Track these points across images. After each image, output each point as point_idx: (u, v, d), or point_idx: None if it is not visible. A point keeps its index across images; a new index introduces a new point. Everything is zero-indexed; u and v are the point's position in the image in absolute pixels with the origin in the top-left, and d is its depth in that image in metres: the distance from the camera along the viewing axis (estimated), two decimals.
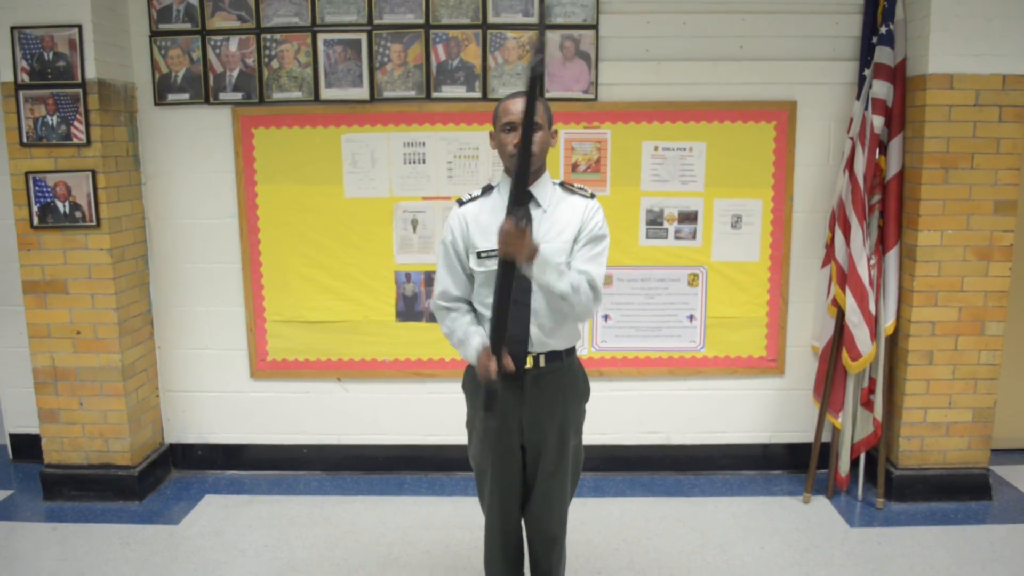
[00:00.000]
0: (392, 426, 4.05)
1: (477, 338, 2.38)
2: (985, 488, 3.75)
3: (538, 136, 2.33)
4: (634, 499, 3.81)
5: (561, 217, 2.40)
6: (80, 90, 3.50)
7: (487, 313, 2.37)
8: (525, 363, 2.40)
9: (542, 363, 2.42)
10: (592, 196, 2.47)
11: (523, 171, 2.12)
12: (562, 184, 2.49)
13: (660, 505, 3.75)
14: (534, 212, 2.39)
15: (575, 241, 2.39)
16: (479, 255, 2.40)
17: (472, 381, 2.52)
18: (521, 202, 2.16)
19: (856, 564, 3.24)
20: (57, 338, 3.69)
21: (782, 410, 4.01)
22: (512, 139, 2.31)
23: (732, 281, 3.87)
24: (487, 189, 2.50)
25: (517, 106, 2.32)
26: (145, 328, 3.92)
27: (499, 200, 2.42)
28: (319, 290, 3.90)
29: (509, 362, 2.30)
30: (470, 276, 2.47)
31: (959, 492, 3.75)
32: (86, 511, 3.72)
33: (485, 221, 2.41)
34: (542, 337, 2.40)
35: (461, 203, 2.50)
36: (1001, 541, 3.41)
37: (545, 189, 2.43)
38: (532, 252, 2.20)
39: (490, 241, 2.36)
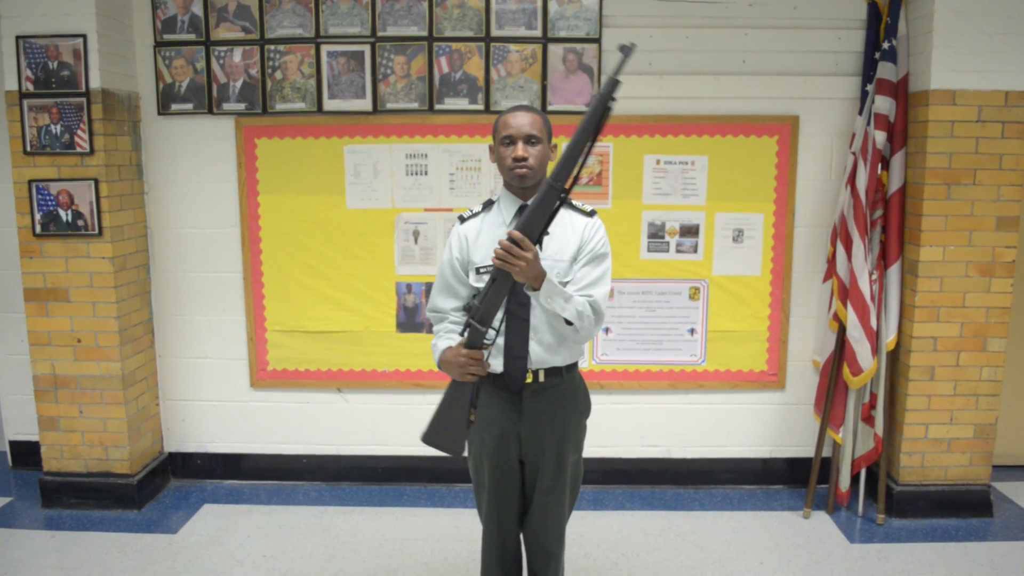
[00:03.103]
0: (392, 437, 4.04)
1: (443, 342, 2.43)
2: (986, 505, 3.74)
3: (537, 150, 2.33)
4: (633, 513, 3.80)
5: (559, 233, 2.38)
6: (84, 99, 3.52)
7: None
8: (525, 378, 2.40)
9: (541, 378, 2.41)
10: (592, 214, 2.45)
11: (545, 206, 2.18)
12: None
13: (659, 519, 3.74)
14: None
15: (575, 260, 2.37)
16: (477, 271, 2.40)
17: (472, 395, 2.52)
18: (539, 239, 2.20)
19: None
20: (58, 346, 3.70)
21: (783, 424, 4.00)
22: (512, 152, 2.31)
23: (733, 295, 3.87)
24: (487, 204, 2.49)
25: (518, 119, 2.32)
26: (146, 337, 3.93)
27: (498, 216, 2.42)
28: (320, 300, 3.91)
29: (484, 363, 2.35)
30: (473, 295, 2.46)
31: (960, 508, 3.73)
32: (84, 519, 3.71)
33: (485, 239, 2.40)
34: (542, 353, 2.38)
35: (462, 220, 2.49)
36: (1002, 558, 3.39)
37: None
38: (539, 276, 2.20)
39: (488, 257, 2.36)
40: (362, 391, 4.01)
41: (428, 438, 2.45)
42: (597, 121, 2.12)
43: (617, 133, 3.75)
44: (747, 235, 3.82)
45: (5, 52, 3.52)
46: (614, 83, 2.11)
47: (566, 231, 2.39)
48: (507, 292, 2.25)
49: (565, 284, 2.35)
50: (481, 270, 2.38)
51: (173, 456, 4.13)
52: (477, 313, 2.28)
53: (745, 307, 3.88)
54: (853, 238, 3.55)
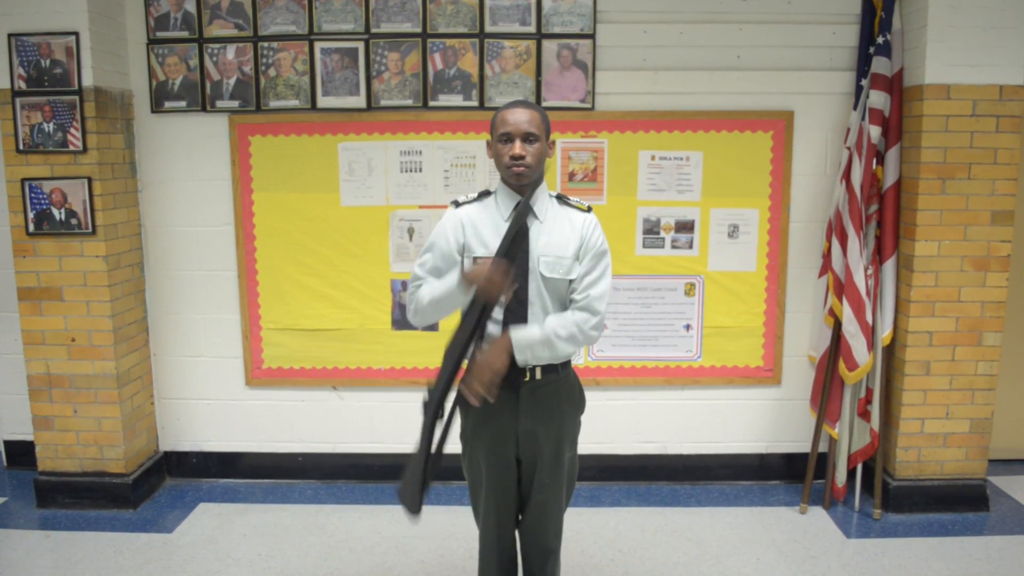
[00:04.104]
0: (387, 434, 4.03)
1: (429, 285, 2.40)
2: (983, 499, 3.74)
3: (535, 148, 2.33)
4: (630, 509, 3.80)
5: (558, 230, 2.38)
6: (77, 97, 3.50)
7: (495, 330, 2.37)
8: (523, 375, 2.39)
9: (538, 375, 2.40)
10: (589, 210, 2.45)
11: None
12: (558, 196, 2.48)
13: (656, 515, 3.73)
14: (531, 224, 2.38)
15: (577, 258, 2.38)
16: (475, 260, 2.39)
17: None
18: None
19: (853, 575, 3.24)
20: (52, 345, 3.68)
21: (779, 420, 4.00)
22: (509, 150, 2.31)
23: (729, 291, 3.86)
24: (484, 194, 2.48)
25: (516, 116, 2.31)
26: (140, 335, 3.91)
27: (495, 209, 2.41)
28: (315, 298, 3.90)
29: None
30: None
31: (956, 503, 3.73)
32: (80, 519, 3.70)
33: (482, 228, 2.39)
34: None
35: (457, 204, 2.48)
36: (999, 552, 3.40)
37: (542, 201, 2.42)
38: (508, 353, 2.31)
39: (485, 248, 2.36)
40: (357, 389, 4.00)
41: (398, 494, 2.42)
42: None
43: (612, 129, 3.74)
44: (742, 231, 3.82)
45: None
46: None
47: (564, 228, 2.39)
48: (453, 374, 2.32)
49: (570, 282, 2.37)
50: (478, 259, 2.36)
51: (168, 455, 4.12)
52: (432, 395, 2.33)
53: (741, 303, 3.88)
54: (848, 233, 3.55)
